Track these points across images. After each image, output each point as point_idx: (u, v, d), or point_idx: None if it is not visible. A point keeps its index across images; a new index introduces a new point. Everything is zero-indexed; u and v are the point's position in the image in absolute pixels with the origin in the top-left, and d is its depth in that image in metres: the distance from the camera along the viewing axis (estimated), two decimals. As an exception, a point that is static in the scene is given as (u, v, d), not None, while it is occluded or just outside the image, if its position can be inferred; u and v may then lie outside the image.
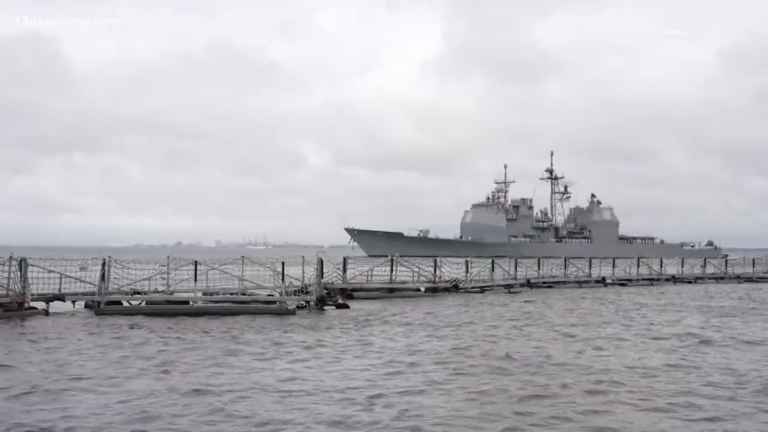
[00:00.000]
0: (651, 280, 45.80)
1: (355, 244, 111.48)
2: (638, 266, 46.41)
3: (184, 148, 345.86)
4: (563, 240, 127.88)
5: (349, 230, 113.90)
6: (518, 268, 39.23)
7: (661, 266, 48.31)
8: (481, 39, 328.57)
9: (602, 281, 43.25)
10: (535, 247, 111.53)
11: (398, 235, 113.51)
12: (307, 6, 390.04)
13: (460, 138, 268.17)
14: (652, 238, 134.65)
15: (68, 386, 11.64)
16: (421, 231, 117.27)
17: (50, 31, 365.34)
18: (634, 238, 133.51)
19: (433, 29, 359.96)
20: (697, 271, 50.39)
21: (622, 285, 43.07)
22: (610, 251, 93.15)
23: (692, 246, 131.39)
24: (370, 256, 72.89)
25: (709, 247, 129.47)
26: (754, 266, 53.01)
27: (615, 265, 45.11)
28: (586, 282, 42.14)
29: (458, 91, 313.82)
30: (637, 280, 45.19)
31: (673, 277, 47.60)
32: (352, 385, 11.76)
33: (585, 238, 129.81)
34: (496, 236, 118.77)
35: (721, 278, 49.80)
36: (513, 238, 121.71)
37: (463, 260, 37.18)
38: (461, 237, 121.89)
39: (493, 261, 38.16)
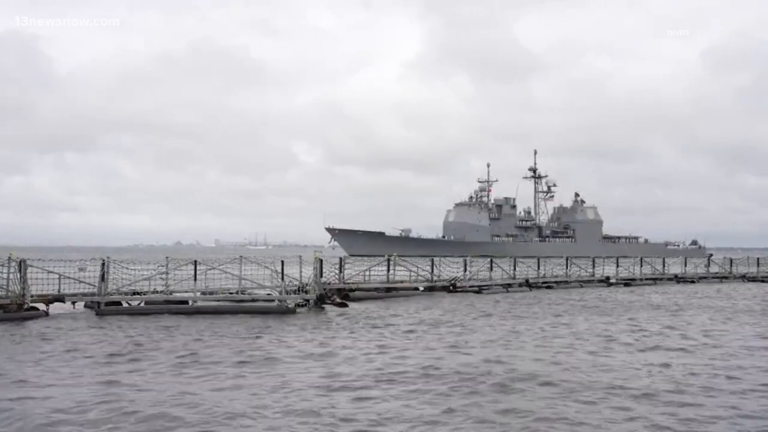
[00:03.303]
0: (654, 280, 46.31)
1: (336, 244, 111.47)
2: (641, 266, 46.83)
3: (177, 147, 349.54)
4: (547, 239, 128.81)
5: (329, 230, 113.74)
6: (516, 268, 39.60)
7: (664, 266, 48.88)
8: (469, 38, 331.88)
9: (606, 281, 43.55)
10: (519, 247, 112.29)
11: (379, 235, 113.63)
12: (295, 7, 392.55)
13: (453, 137, 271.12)
14: (636, 238, 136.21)
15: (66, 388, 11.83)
16: (402, 230, 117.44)
17: (39, 31, 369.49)
18: (618, 238, 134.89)
19: (418, 28, 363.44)
20: (701, 270, 50.89)
21: (626, 285, 43.37)
22: (594, 251, 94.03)
23: (677, 245, 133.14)
24: (351, 255, 73.00)
25: (694, 246, 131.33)
26: (758, 265, 53.43)
27: (618, 265, 45.59)
28: (588, 282, 42.44)
29: (449, 91, 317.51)
30: (641, 279, 45.57)
31: (676, 276, 48.12)
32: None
33: (569, 237, 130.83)
34: (479, 235, 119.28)
35: (725, 278, 50.25)
36: (496, 238, 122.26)
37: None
38: (444, 236, 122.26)
39: (491, 260, 38.49)
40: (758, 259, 54.25)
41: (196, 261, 25.75)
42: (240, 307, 24.78)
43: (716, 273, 51.22)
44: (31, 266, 22.19)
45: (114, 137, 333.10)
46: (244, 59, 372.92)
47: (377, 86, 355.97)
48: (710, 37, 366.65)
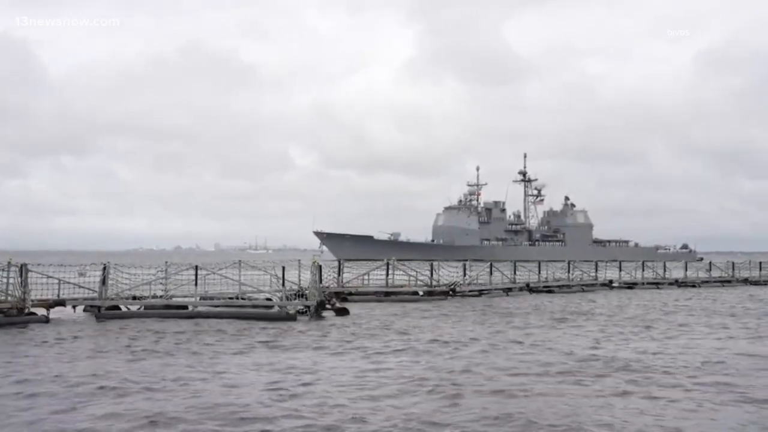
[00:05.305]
0: (657, 284, 46.80)
1: (324, 248, 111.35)
2: (643, 270, 47.46)
3: (174, 150, 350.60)
4: (536, 243, 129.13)
5: (317, 233, 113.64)
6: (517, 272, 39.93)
7: (664, 270, 49.32)
8: (463, 41, 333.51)
9: (609, 284, 44.02)
10: (508, 251, 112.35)
11: (368, 239, 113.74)
12: (290, 9, 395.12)
13: (448, 140, 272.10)
14: (626, 241, 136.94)
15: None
16: (391, 234, 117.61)
17: (31, 33, 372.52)
18: (609, 241, 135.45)
19: (411, 31, 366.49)
20: (703, 274, 51.29)
21: (629, 288, 44.02)
22: (584, 254, 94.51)
23: (667, 249, 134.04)
24: (339, 260, 73.01)
25: (684, 250, 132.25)
26: (760, 269, 53.72)
27: (621, 269, 46.16)
28: (590, 286, 42.78)
29: (443, 94, 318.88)
30: (643, 283, 46.16)
31: (677, 281, 48.55)
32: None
33: (559, 241, 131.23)
34: (468, 239, 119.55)
35: (728, 282, 50.65)
36: (485, 242, 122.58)
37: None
38: (433, 240, 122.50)
39: (491, 264, 38.70)
40: (761, 263, 54.51)
41: (197, 266, 25.78)
42: (240, 312, 24.69)
43: (719, 277, 51.52)
44: (31, 271, 22.22)
45: (110, 140, 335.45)
46: (238, 61, 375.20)
47: (371, 89, 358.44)
48: (707, 38, 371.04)
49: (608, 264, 48.56)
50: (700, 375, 13.91)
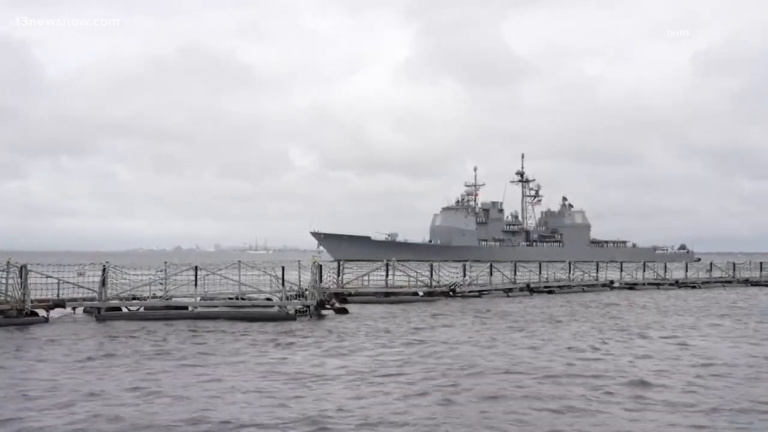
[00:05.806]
0: (657, 284, 46.80)
1: (322, 248, 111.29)
2: (644, 270, 47.67)
3: (173, 150, 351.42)
4: (534, 244, 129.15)
5: (315, 234, 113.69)
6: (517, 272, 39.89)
7: (665, 270, 49.34)
8: (462, 41, 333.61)
9: (609, 285, 44.22)
10: (506, 251, 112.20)
11: (365, 239, 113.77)
12: (288, 10, 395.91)
13: (448, 140, 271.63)
14: (624, 242, 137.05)
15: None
16: (389, 235, 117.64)
17: (31, 34, 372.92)
18: (606, 242, 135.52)
19: (410, 31, 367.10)
20: (704, 275, 51.23)
21: (630, 288, 44.20)
22: (582, 255, 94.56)
23: (665, 249, 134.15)
24: (336, 260, 73.03)
25: (682, 251, 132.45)
26: (761, 270, 53.67)
27: (622, 269, 46.30)
28: (591, 286, 42.90)
29: (442, 94, 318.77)
30: (643, 284, 46.26)
31: (677, 281, 48.54)
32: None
33: (556, 241, 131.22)
34: (466, 240, 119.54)
35: (729, 282, 50.70)
36: (483, 242, 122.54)
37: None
38: (430, 240, 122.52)
39: (491, 265, 38.68)
40: (761, 263, 54.45)
41: (197, 267, 25.74)
42: (240, 313, 24.65)
43: (719, 277, 51.49)
44: (31, 271, 22.16)
45: (110, 140, 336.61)
46: (238, 62, 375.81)
47: (370, 90, 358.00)
48: (707, 39, 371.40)
49: (608, 264, 48.68)
50: (699, 376, 13.90)
